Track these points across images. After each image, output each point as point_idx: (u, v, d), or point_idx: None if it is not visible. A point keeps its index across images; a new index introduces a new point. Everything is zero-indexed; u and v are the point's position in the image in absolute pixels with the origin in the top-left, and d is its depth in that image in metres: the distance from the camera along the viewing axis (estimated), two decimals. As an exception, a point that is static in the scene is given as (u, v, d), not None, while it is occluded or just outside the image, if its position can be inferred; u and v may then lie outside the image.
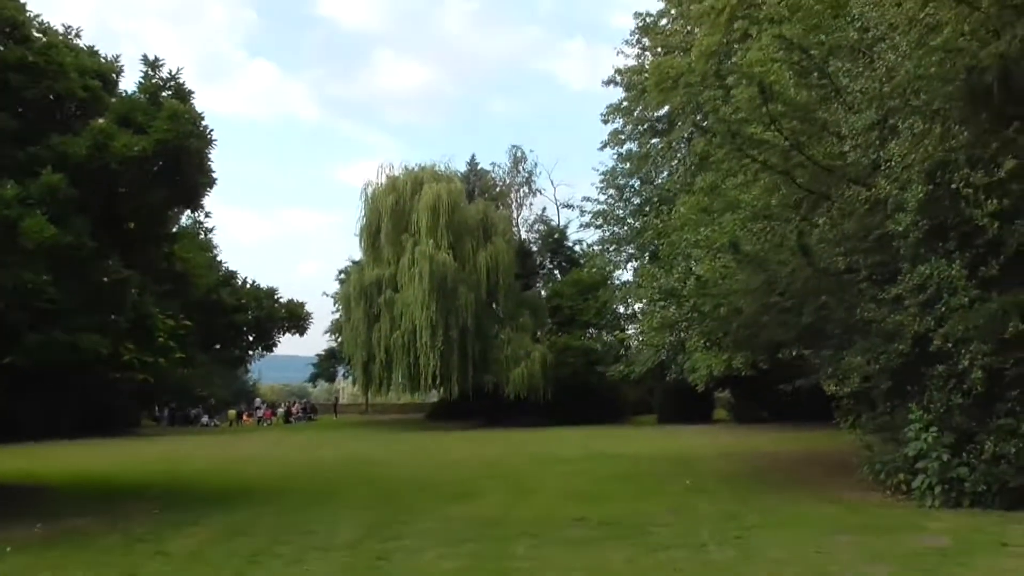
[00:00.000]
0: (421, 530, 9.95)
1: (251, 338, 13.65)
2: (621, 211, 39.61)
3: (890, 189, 9.86)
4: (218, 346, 13.40)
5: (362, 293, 38.88)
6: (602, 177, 39.97)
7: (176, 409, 45.74)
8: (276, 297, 13.89)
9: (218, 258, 14.25)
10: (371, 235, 40.53)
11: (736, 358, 23.33)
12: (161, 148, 11.55)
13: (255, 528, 10.39)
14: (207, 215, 16.01)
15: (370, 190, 41.47)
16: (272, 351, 14.27)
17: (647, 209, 37.87)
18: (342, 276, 47.18)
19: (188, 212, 13.17)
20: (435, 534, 9.62)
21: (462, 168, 46.75)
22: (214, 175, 12.69)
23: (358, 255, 43.59)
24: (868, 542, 8.27)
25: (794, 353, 15.97)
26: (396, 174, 41.56)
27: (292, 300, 14.04)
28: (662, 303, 14.68)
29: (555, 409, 38.13)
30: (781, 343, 12.92)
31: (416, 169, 41.90)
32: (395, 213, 39.67)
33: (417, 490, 14.02)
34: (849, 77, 10.92)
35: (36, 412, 35.05)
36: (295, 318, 13.93)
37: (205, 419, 45.47)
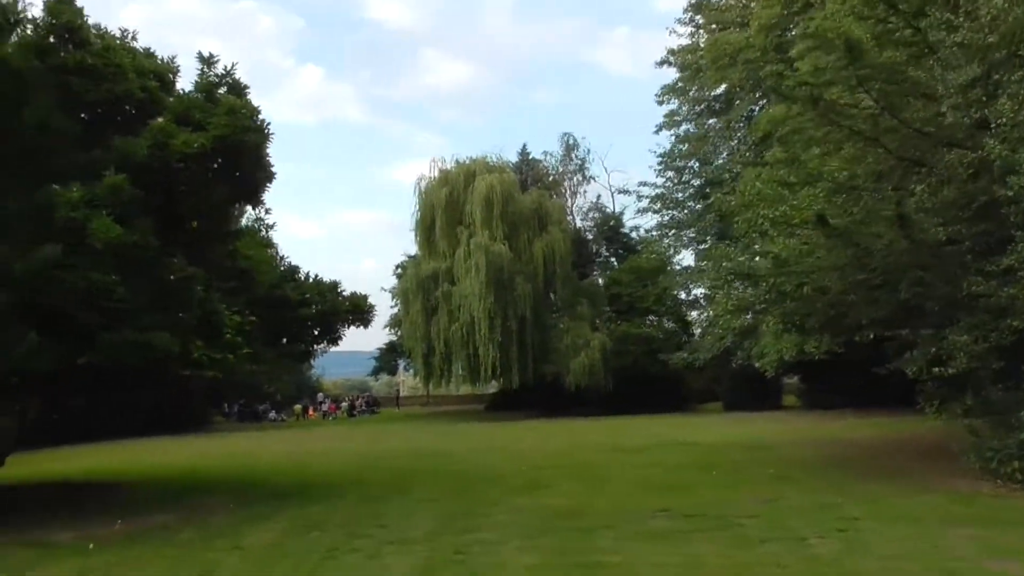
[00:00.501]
0: (496, 522, 9.63)
1: (316, 332, 13.62)
2: (680, 194, 38.65)
3: (999, 150, 9.03)
4: (284, 340, 13.37)
5: (419, 287, 38.96)
6: (660, 159, 39.10)
7: (244, 405, 46.70)
8: (339, 290, 13.81)
9: (280, 254, 14.21)
10: (426, 229, 40.54)
11: (809, 342, 22.41)
12: (220, 144, 11.45)
13: (330, 522, 10.22)
14: (267, 211, 15.96)
15: (423, 184, 41.50)
16: (337, 344, 14.22)
17: (707, 190, 36.90)
18: (399, 271, 47.49)
19: (249, 209, 13.09)
20: (511, 526, 9.29)
21: (513, 159, 46.36)
22: (273, 170, 12.56)
23: (414, 250, 43.81)
24: (990, 536, 7.58)
25: (872, 336, 15.14)
26: (448, 167, 41.50)
27: (355, 293, 13.94)
28: (737, 284, 13.99)
29: (616, 398, 37.52)
30: (871, 323, 12.13)
31: (468, 162, 41.71)
32: (449, 206, 39.58)
33: (487, 481, 13.73)
34: (945, 30, 10.06)
35: (112, 411, 36.16)
36: (359, 310, 13.80)
37: (272, 414, 46.31)
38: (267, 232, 15.14)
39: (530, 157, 48.52)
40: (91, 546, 9.29)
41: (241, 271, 13.06)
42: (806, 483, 11.56)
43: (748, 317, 14.11)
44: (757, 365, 34.98)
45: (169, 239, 11.58)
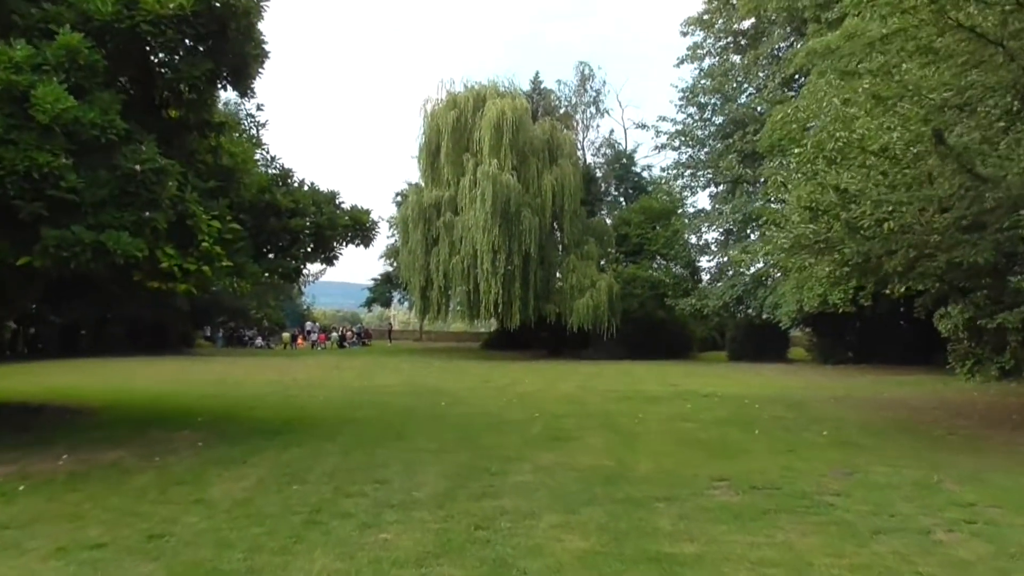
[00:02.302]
0: (519, 485, 7.92)
1: (309, 248, 11.71)
2: (701, 131, 36.30)
3: None
4: (271, 255, 11.42)
5: (421, 215, 36.98)
6: (681, 95, 36.58)
7: (232, 330, 45.07)
8: (338, 202, 11.83)
9: (270, 154, 12.15)
10: (430, 154, 38.38)
11: (835, 293, 20.81)
12: (202, 6, 9.36)
13: (314, 471, 8.50)
14: (259, 107, 13.90)
15: (429, 107, 39.21)
16: (333, 264, 12.30)
17: (728, 129, 34.69)
18: (398, 199, 45.31)
19: (236, 96, 10.99)
20: (538, 491, 7.59)
21: (525, 88, 43.73)
22: (266, 47, 10.45)
23: (415, 178, 41.60)
24: None
25: (904, 288, 13.48)
26: (457, 91, 39.01)
27: (356, 206, 11.95)
28: (796, 218, 12.10)
29: (619, 343, 36.22)
30: (967, 269, 10.28)
31: (477, 86, 39.16)
32: (456, 131, 37.34)
33: (497, 429, 12.06)
34: None
35: (93, 328, 34.52)
36: (360, 226, 11.88)
37: (259, 341, 44.73)
38: (258, 131, 13.09)
39: (542, 87, 45.96)
40: (21, 488, 7.57)
41: (224, 170, 11.01)
42: (878, 451, 9.85)
43: (811, 257, 12.16)
44: (766, 316, 33.76)
45: (138, 123, 9.57)
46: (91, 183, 8.86)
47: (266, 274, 11.34)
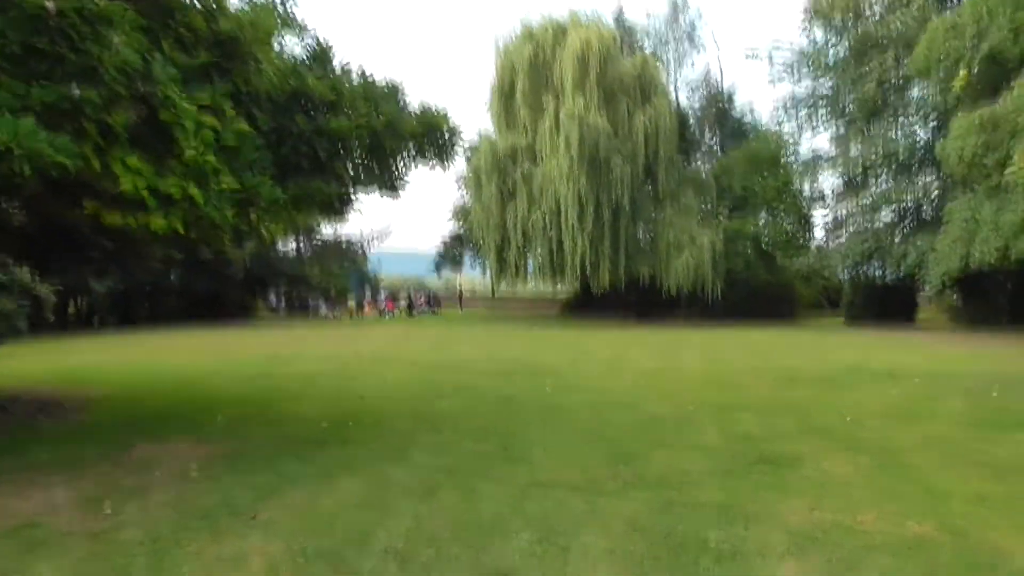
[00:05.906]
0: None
1: (360, 166, 7.75)
2: (829, 57, 30.70)
3: None
4: (303, 176, 7.49)
5: (495, 166, 32.82)
6: (804, 13, 31.00)
7: (295, 298, 41.93)
8: (401, 99, 7.85)
9: (301, 22, 8.09)
10: (504, 96, 34.15)
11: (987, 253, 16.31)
12: None
13: (373, 542, 4.52)
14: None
15: (501, 43, 34.78)
16: (397, 192, 8.28)
17: (866, 53, 28.99)
18: (468, 150, 41.10)
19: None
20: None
21: (608, 22, 38.58)
22: None
23: (486, 125, 37.31)
24: None
25: None
26: (533, 23, 34.40)
27: (429, 107, 7.93)
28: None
29: (717, 305, 31.75)
30: None
31: (555, 21, 34.41)
32: (533, 68, 32.98)
33: (652, 436, 7.91)
34: None
35: (142, 296, 31.78)
36: (435, 134, 7.85)
37: (324, 310, 41.55)
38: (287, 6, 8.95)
39: (627, 23, 40.57)
40: None
41: (224, 39, 7.00)
42: None
43: None
44: (893, 275, 29.11)
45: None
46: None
47: (296, 200, 7.32)
